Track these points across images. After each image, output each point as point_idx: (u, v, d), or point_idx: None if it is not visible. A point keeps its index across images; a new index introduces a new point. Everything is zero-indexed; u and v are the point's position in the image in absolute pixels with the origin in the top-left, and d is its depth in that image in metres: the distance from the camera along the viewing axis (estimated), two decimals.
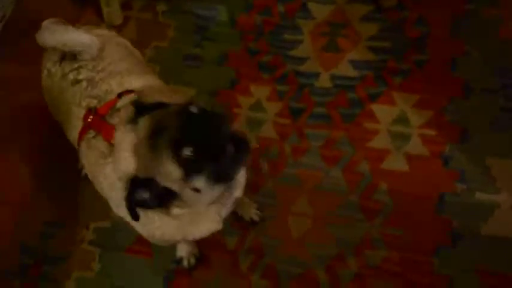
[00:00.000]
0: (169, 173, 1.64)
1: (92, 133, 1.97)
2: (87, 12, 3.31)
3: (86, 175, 2.76)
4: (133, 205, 1.69)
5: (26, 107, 3.03)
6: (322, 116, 2.84)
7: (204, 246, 2.59)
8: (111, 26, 3.19)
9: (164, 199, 1.71)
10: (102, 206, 2.68)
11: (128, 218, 1.81)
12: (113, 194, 1.89)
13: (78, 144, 2.06)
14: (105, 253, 2.66)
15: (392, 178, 2.65)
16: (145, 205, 1.70)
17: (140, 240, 2.59)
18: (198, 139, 1.63)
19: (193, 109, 1.66)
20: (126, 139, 1.74)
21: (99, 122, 1.95)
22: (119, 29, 3.20)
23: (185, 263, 2.58)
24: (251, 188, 2.66)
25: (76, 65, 2.14)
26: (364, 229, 2.56)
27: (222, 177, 1.72)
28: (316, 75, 2.95)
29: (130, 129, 1.74)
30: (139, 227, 1.93)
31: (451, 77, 2.85)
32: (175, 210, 1.79)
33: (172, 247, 2.57)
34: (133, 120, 1.75)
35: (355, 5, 3.14)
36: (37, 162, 2.91)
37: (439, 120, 2.75)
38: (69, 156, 2.81)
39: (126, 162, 1.71)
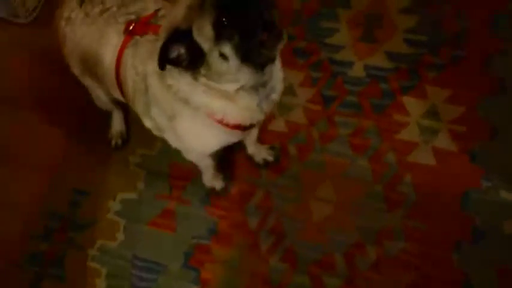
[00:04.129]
0: (204, 31, 1.75)
1: (136, 38, 2.09)
2: None
3: (116, 145, 2.85)
4: (167, 53, 1.79)
5: (63, 77, 3.08)
6: (353, 104, 2.84)
7: (226, 225, 2.63)
8: None
9: (194, 58, 1.80)
10: (130, 177, 2.77)
11: (163, 126, 2.12)
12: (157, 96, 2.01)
13: (119, 58, 2.15)
14: (129, 224, 2.71)
15: (417, 171, 2.64)
16: (177, 62, 1.81)
17: (164, 213, 2.66)
18: (237, 11, 1.73)
19: None
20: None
21: (144, 25, 2.08)
22: None
23: (217, 186, 2.70)
24: (275, 170, 2.70)
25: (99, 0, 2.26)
26: (386, 219, 2.57)
27: (249, 55, 1.78)
28: (350, 64, 2.95)
29: None
30: (180, 128, 2.10)
31: (486, 75, 2.83)
32: (203, 80, 1.86)
33: (194, 224, 2.62)
34: None
35: None
36: (68, 130, 2.98)
37: (470, 116, 2.73)
38: (100, 126, 2.89)
39: (177, 12, 1.82)
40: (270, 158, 2.72)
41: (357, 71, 2.93)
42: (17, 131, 3.02)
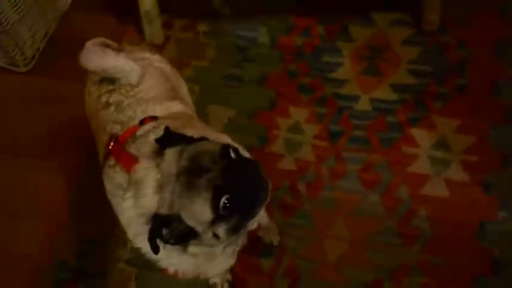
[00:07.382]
0: (200, 215, 1.62)
1: (112, 160, 1.92)
2: (129, 31, 3.33)
3: None
4: (155, 241, 1.65)
5: (65, 124, 3.06)
6: (361, 139, 2.81)
7: (240, 269, 2.57)
8: (152, 45, 3.21)
9: (184, 237, 1.68)
10: None
11: (144, 249, 1.80)
12: (131, 228, 1.82)
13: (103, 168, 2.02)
14: (141, 273, 2.65)
15: (431, 204, 2.61)
16: (166, 241, 1.67)
17: None
18: (236, 189, 1.60)
19: (232, 154, 1.65)
20: (149, 175, 1.71)
21: (118, 149, 1.89)
22: (159, 48, 3.22)
23: None
24: (287, 210, 2.65)
25: (111, 87, 2.10)
26: (402, 255, 2.52)
27: (241, 228, 1.70)
28: (356, 98, 2.93)
29: (154, 164, 1.72)
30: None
31: (494, 102, 2.82)
32: (192, 248, 1.75)
33: None
34: (157, 154, 1.73)
35: (396, 28, 3.13)
36: (75, 180, 2.92)
37: (481, 145, 2.71)
38: None
39: (149, 199, 1.69)
40: (276, 243, 2.60)
41: (363, 104, 2.91)
42: (18, 180, 2.97)
